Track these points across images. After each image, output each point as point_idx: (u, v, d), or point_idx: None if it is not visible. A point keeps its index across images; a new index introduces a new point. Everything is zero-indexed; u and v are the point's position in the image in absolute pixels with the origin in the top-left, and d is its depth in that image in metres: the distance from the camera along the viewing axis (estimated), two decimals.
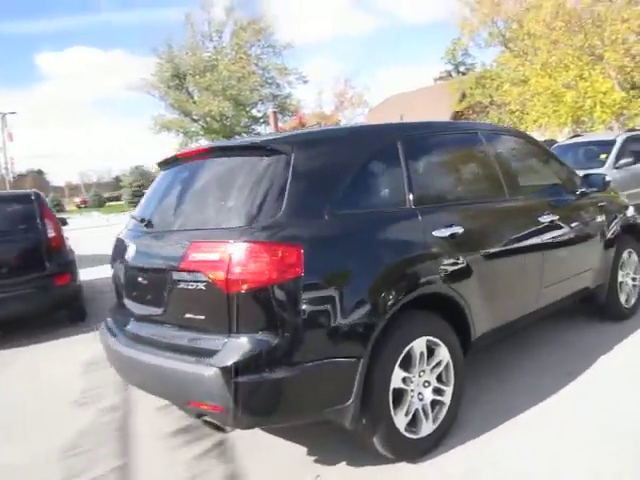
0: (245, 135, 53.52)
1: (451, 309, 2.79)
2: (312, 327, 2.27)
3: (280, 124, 36.19)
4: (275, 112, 37.13)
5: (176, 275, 2.44)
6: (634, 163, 8.19)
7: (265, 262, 2.19)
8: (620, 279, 4.29)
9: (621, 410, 2.90)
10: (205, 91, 45.85)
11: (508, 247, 3.20)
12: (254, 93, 47.68)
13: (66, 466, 2.87)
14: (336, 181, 2.53)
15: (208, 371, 2.17)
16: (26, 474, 2.86)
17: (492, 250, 3.09)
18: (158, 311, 2.58)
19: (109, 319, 3.15)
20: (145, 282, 2.73)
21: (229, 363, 2.16)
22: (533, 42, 16.15)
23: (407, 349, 2.53)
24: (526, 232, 3.35)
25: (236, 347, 2.20)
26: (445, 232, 2.79)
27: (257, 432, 2.94)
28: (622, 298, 4.32)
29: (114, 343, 2.79)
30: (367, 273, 2.44)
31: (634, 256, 4.49)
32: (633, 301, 4.45)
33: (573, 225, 3.81)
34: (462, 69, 42.77)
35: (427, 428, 2.62)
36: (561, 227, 3.65)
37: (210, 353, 2.23)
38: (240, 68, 45.50)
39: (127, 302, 2.92)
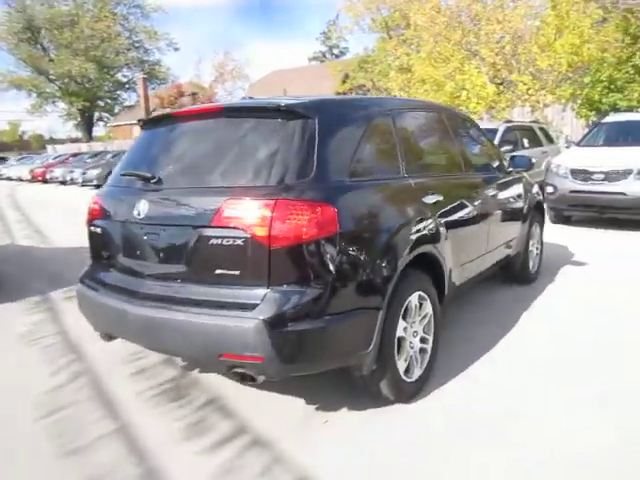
0: (110, 101, 50.18)
1: (434, 268, 3.14)
2: (344, 280, 2.46)
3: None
4: (145, 78, 35.18)
5: (206, 231, 2.45)
6: (512, 150, 9.36)
7: (306, 219, 2.32)
8: (530, 248, 5.03)
9: (550, 347, 3.52)
10: (64, 49, 41.70)
11: (469, 215, 3.65)
12: (120, 56, 44.46)
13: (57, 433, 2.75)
14: (354, 147, 2.71)
15: (249, 323, 2.26)
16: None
17: (459, 217, 3.51)
18: (180, 268, 2.56)
19: (91, 282, 3.02)
20: (161, 240, 2.65)
21: (271, 315, 2.27)
22: (419, 33, 17.22)
23: (407, 302, 2.82)
24: (478, 203, 3.83)
25: (276, 299, 2.32)
26: (431, 199, 3.13)
27: (251, 388, 3.06)
28: (530, 265, 5.07)
29: (118, 304, 2.70)
30: (385, 232, 2.69)
31: (538, 228, 5.28)
32: (536, 267, 5.25)
33: (507, 199, 4.42)
34: (336, 52, 44.25)
35: (417, 373, 2.96)
36: (499, 201, 4.22)
37: (250, 306, 2.32)
38: (105, 27, 42.02)
39: (129, 261, 2.82)
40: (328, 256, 2.38)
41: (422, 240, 2.95)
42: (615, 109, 13.47)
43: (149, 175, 2.76)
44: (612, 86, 13.40)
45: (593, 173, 7.56)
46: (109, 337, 3.02)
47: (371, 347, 2.56)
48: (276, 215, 2.30)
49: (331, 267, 2.39)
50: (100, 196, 3.09)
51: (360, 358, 2.58)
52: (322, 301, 2.37)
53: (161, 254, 2.67)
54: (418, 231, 2.92)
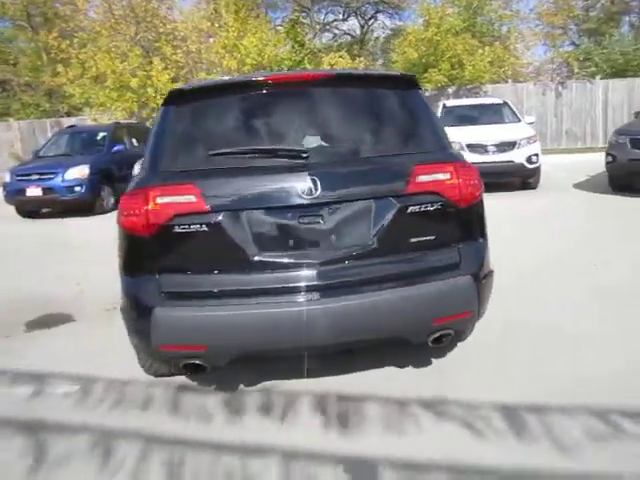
0: None
1: None
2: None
3: None
4: None
5: (400, 200, 2.34)
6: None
7: (475, 181, 2.51)
8: None
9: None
10: None
11: None
12: None
13: None
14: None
15: (461, 281, 2.35)
16: None
17: None
18: (366, 245, 2.33)
19: (195, 298, 2.26)
20: (339, 219, 2.31)
21: (475, 269, 2.42)
22: (93, 26, 15.84)
23: None
24: None
25: (473, 255, 2.47)
26: None
27: None
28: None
29: (289, 307, 2.20)
30: None
31: None
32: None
33: None
34: None
35: None
36: None
37: (452, 266, 2.40)
38: None
39: (283, 254, 2.28)
40: (482, 213, 2.58)
41: None
42: None
43: (302, 149, 2.34)
44: None
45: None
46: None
47: None
48: (463, 178, 2.44)
49: (485, 222, 2.61)
50: (193, 182, 2.23)
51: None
52: (488, 251, 2.58)
53: (339, 235, 2.32)
54: None
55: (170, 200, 2.21)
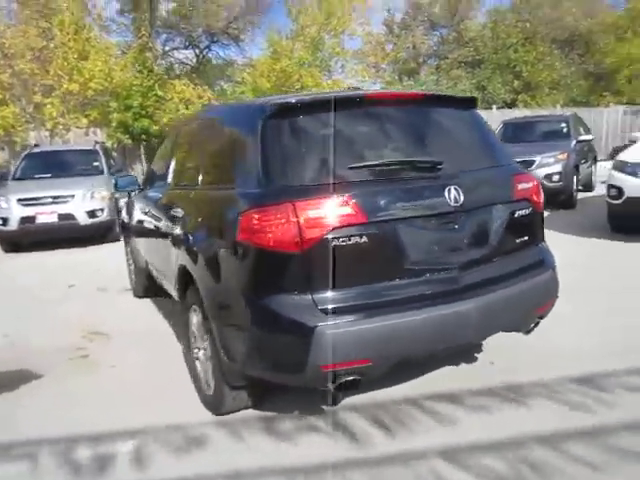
0: None
1: None
2: None
3: None
4: None
5: (510, 206, 2.66)
6: None
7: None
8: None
9: None
10: None
11: None
12: None
13: None
14: None
15: (549, 274, 2.78)
16: None
17: None
18: (489, 247, 2.57)
19: (364, 310, 2.22)
20: (473, 224, 2.51)
21: (553, 263, 2.88)
22: None
23: None
24: None
25: (547, 251, 2.93)
26: None
27: None
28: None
29: (440, 310, 2.30)
30: None
31: None
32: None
33: None
34: None
35: None
36: None
37: (540, 262, 2.79)
38: None
39: (428, 260, 2.40)
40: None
41: None
42: (146, 132, 14.83)
43: (437, 160, 2.48)
44: (143, 112, 14.61)
45: None
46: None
47: None
48: (538, 186, 2.87)
49: None
50: (352, 196, 2.20)
51: None
52: None
53: (471, 239, 2.50)
54: None
55: (327, 213, 2.14)
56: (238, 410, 2.75)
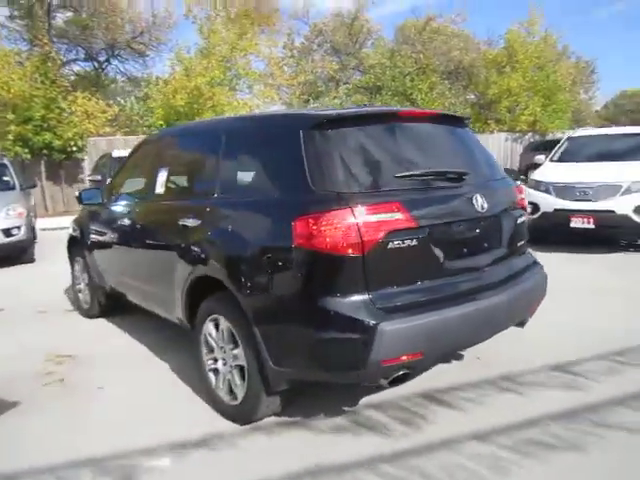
0: None
1: None
2: None
3: None
4: None
5: (515, 213, 3.05)
6: None
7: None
8: None
9: None
10: None
11: None
12: None
13: None
14: None
15: (543, 273, 3.19)
16: None
17: None
18: (503, 249, 2.91)
19: (412, 308, 2.41)
20: (494, 228, 2.87)
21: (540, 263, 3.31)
22: None
23: None
24: None
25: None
26: None
27: None
28: None
29: (482, 303, 2.59)
30: None
31: None
32: None
33: None
34: None
35: None
36: None
37: (535, 262, 3.23)
38: None
39: (460, 262, 2.67)
40: None
41: None
42: (48, 147, 13.88)
43: (464, 171, 2.78)
44: (45, 124, 13.67)
45: None
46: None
47: None
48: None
49: None
50: (402, 202, 2.41)
51: None
52: None
53: (494, 240, 2.86)
54: None
55: (383, 218, 2.30)
56: (266, 417, 2.79)
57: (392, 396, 3.06)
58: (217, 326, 2.86)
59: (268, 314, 2.49)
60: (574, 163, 7.64)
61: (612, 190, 6.76)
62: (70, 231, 5.22)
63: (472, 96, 28.11)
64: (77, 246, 5.01)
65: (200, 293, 2.95)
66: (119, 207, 4.21)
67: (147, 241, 3.61)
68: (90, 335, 4.58)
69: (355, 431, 2.74)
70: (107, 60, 22.47)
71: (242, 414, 2.77)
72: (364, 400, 3.03)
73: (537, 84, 23.50)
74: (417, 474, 2.35)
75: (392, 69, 24.61)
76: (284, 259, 2.42)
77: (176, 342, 4.10)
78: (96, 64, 22.41)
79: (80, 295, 5.13)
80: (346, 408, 2.96)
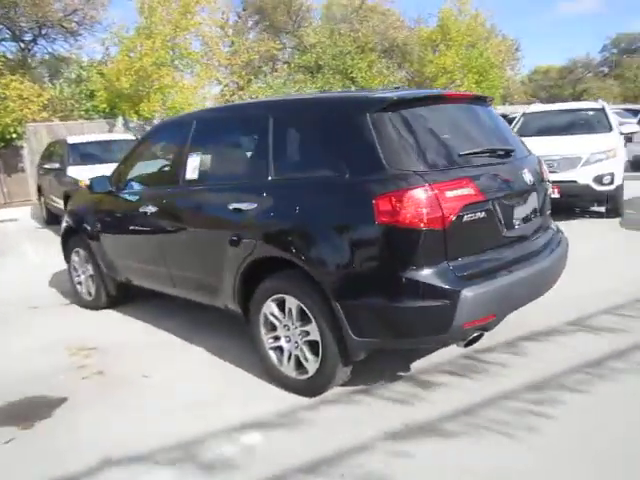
0: None
1: None
2: None
3: None
4: None
5: (544, 184, 3.29)
6: None
7: None
8: None
9: None
10: None
11: None
12: None
13: None
14: None
15: (566, 240, 3.46)
16: None
17: None
18: (540, 219, 3.17)
19: (486, 275, 2.63)
20: (536, 200, 3.11)
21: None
22: None
23: None
24: None
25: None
26: None
27: None
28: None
29: (536, 267, 2.86)
30: None
31: None
32: None
33: None
34: None
35: None
36: None
37: (559, 230, 3.50)
38: None
39: (515, 231, 2.90)
40: None
41: None
42: None
43: (512, 148, 3.08)
44: None
45: None
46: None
47: None
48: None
49: None
50: (471, 178, 2.64)
51: None
52: None
53: (534, 211, 3.08)
54: None
55: (458, 193, 2.49)
56: (335, 387, 2.93)
57: (436, 360, 3.29)
58: (280, 305, 2.95)
59: (351, 289, 2.61)
60: (534, 137, 8.12)
61: (573, 162, 7.30)
62: (65, 223, 5.02)
63: (404, 73, 28.69)
64: (76, 237, 4.85)
65: (256, 275, 3.01)
66: (136, 195, 4.12)
67: (181, 228, 3.59)
68: (101, 326, 4.50)
69: (420, 394, 2.94)
70: (34, 40, 20.97)
71: (313, 387, 2.90)
72: (413, 365, 3.24)
73: (471, 61, 24.31)
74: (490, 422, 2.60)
75: (332, 48, 24.66)
76: (366, 235, 2.55)
77: (197, 326, 4.16)
78: (22, 44, 20.86)
79: (79, 287, 4.99)
80: (401, 373, 3.15)
